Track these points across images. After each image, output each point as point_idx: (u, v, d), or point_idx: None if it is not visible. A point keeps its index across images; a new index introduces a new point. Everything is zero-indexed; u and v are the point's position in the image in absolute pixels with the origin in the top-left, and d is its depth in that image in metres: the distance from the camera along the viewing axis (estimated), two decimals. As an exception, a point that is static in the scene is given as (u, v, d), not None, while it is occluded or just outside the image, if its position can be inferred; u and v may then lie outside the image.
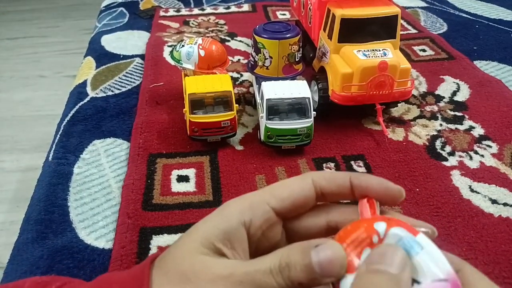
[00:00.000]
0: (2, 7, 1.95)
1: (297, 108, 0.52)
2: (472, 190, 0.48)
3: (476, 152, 0.54)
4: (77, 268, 0.40)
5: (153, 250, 0.42)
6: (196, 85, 0.53)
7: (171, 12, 0.98)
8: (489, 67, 0.74)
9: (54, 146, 0.57)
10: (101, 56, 0.80)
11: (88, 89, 0.69)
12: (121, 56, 0.79)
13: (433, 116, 0.61)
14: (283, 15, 0.96)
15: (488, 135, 0.57)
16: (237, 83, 0.70)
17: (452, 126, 0.59)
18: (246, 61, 0.76)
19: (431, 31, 0.87)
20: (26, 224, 0.46)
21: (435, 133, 0.58)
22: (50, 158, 0.55)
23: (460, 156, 0.54)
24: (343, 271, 0.21)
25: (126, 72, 0.74)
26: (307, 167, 0.52)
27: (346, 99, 0.55)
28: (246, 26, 0.88)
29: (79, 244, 0.43)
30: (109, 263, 0.40)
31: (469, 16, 0.95)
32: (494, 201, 0.47)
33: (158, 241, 0.43)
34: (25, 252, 0.42)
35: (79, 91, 0.69)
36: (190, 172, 0.51)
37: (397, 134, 0.57)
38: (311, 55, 0.65)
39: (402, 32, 0.84)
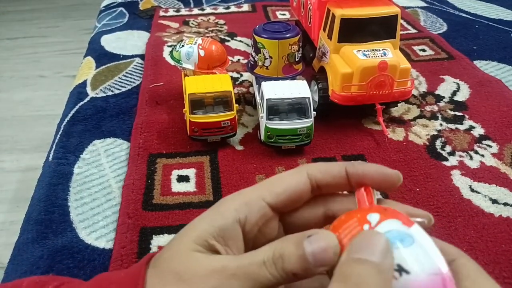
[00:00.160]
0: (2, 7, 1.95)
1: (297, 108, 0.52)
2: (472, 190, 0.48)
3: (476, 152, 0.54)
4: (77, 268, 0.40)
5: (154, 250, 0.42)
6: (196, 85, 0.53)
7: (171, 12, 0.98)
8: (489, 67, 0.74)
9: (54, 146, 0.57)
10: (101, 56, 0.80)
11: (88, 89, 0.69)
12: (121, 56, 0.79)
13: (433, 116, 0.61)
14: (283, 15, 0.96)
15: (488, 135, 0.57)
16: (237, 83, 0.70)
17: (452, 126, 0.59)
18: (246, 61, 0.76)
19: (431, 31, 0.87)
20: (27, 224, 0.46)
21: (435, 133, 0.58)
22: (50, 158, 0.55)
23: (460, 156, 0.54)
24: (336, 259, 0.20)
25: (126, 72, 0.74)
26: (307, 167, 0.52)
27: (346, 99, 0.55)
28: (246, 26, 0.88)
29: (79, 244, 0.43)
30: (110, 263, 0.40)
31: (469, 16, 0.95)
32: (494, 201, 0.47)
33: (158, 241, 0.43)
34: (26, 252, 0.42)
35: (79, 91, 0.69)
36: (190, 172, 0.51)
37: (397, 134, 0.57)
38: (311, 55, 0.65)
39: (402, 32, 0.84)
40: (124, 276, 0.24)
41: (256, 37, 0.56)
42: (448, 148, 0.55)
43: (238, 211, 0.24)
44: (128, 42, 0.85)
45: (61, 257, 0.41)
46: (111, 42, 0.85)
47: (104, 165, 0.53)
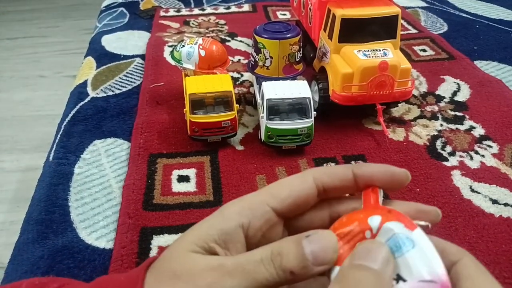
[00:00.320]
0: (2, 7, 1.95)
1: (297, 108, 0.52)
2: (472, 190, 0.48)
3: (476, 152, 0.54)
4: (78, 268, 0.40)
5: (154, 250, 0.42)
6: (196, 85, 0.53)
7: (172, 12, 0.98)
8: (489, 67, 0.74)
9: (54, 146, 0.57)
10: (102, 56, 0.80)
11: (89, 89, 0.69)
12: (122, 56, 0.79)
13: (433, 116, 0.61)
14: (283, 15, 0.96)
15: (489, 135, 0.57)
16: (237, 83, 0.70)
17: (453, 126, 0.59)
18: (246, 61, 0.76)
19: (432, 31, 0.87)
20: (27, 224, 0.46)
21: (436, 133, 0.58)
22: (50, 158, 0.55)
23: (461, 156, 0.54)
24: (335, 258, 0.21)
25: (127, 72, 0.74)
26: (308, 167, 0.52)
27: (346, 99, 0.55)
28: (247, 26, 0.88)
29: (79, 244, 0.43)
30: (110, 263, 0.40)
31: (469, 16, 0.95)
32: (494, 201, 0.47)
33: (158, 241, 0.43)
34: (26, 252, 0.42)
35: (79, 91, 0.69)
36: (191, 172, 0.51)
37: (397, 134, 0.57)
38: (311, 55, 0.65)
39: (402, 32, 0.84)
40: (124, 279, 0.24)
41: (256, 37, 0.56)
42: (448, 148, 0.55)
43: (241, 215, 0.24)
44: (129, 42, 0.85)
45: (62, 257, 0.41)
46: (111, 42, 0.85)
47: (104, 165, 0.53)
